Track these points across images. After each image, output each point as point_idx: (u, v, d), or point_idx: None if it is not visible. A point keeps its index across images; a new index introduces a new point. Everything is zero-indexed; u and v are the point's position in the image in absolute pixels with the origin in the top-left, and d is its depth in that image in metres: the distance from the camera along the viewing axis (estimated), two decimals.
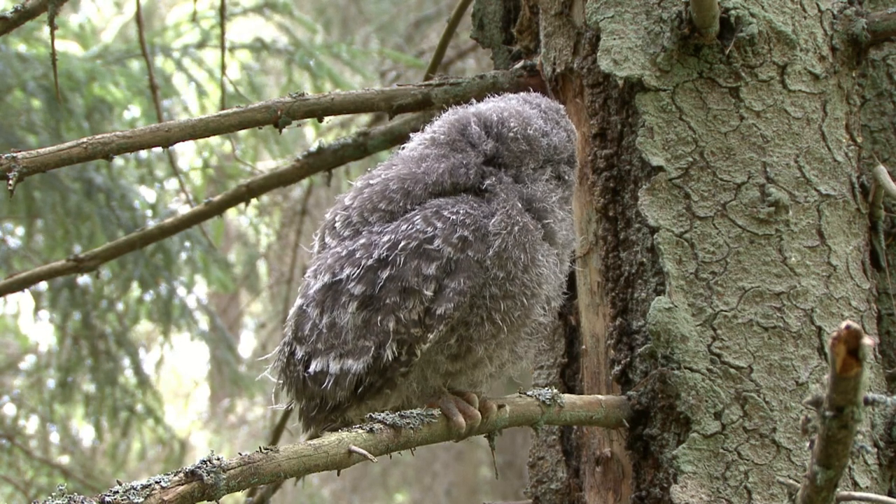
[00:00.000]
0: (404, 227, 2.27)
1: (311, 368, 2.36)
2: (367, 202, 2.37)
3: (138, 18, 4.16)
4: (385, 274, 2.26)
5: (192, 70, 6.96)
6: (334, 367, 2.32)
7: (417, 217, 2.29)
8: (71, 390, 7.04)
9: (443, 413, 2.26)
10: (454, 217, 2.25)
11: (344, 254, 2.33)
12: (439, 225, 2.24)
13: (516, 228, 2.24)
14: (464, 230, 2.23)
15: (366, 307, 2.27)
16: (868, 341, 1.66)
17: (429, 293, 2.22)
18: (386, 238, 2.28)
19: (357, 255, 2.31)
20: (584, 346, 2.88)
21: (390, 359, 2.26)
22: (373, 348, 2.27)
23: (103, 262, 3.68)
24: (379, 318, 2.26)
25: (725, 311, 2.62)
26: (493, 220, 2.25)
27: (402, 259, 2.24)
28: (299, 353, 2.39)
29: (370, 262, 2.28)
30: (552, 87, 3.03)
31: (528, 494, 3.01)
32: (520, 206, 2.28)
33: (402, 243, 2.26)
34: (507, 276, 2.23)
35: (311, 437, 2.56)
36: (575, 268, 2.53)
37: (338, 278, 2.31)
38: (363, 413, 2.38)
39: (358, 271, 2.30)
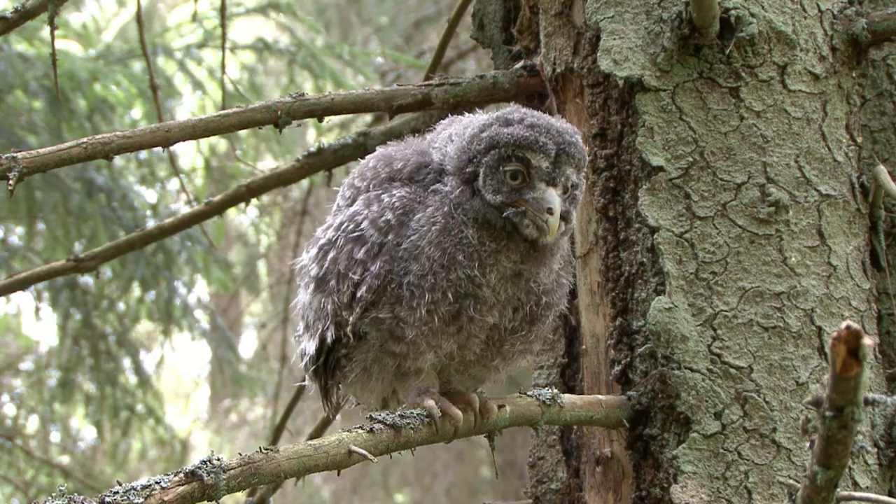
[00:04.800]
0: (352, 209, 2.33)
1: (299, 349, 2.44)
2: (349, 180, 2.44)
3: (139, 19, 4.16)
4: (330, 256, 2.32)
5: (193, 70, 6.96)
6: (309, 348, 2.40)
7: (361, 198, 2.34)
8: (71, 390, 7.03)
9: (426, 414, 2.25)
10: (388, 200, 2.27)
11: (316, 234, 2.42)
12: (374, 208, 2.28)
13: (434, 228, 2.22)
14: (390, 213, 2.25)
15: (319, 290, 2.34)
16: (868, 341, 1.66)
17: (356, 277, 2.25)
18: (338, 220, 2.34)
19: (319, 238, 2.38)
20: (584, 346, 2.88)
21: (329, 341, 2.32)
22: (320, 330, 2.33)
23: (103, 262, 3.68)
24: (323, 300, 2.32)
25: (725, 311, 2.62)
26: (416, 216, 2.25)
27: (342, 242, 2.29)
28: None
29: (323, 242, 2.35)
30: (552, 87, 3.03)
31: (528, 494, 3.01)
32: (447, 209, 2.24)
33: (344, 225, 2.31)
34: (425, 271, 2.21)
35: (312, 437, 2.58)
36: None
37: (304, 261, 2.40)
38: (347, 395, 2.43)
39: (316, 252, 2.36)
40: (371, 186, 2.36)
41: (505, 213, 2.21)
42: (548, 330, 2.44)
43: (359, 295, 2.24)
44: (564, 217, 2.25)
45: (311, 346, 2.39)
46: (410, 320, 2.22)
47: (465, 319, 2.23)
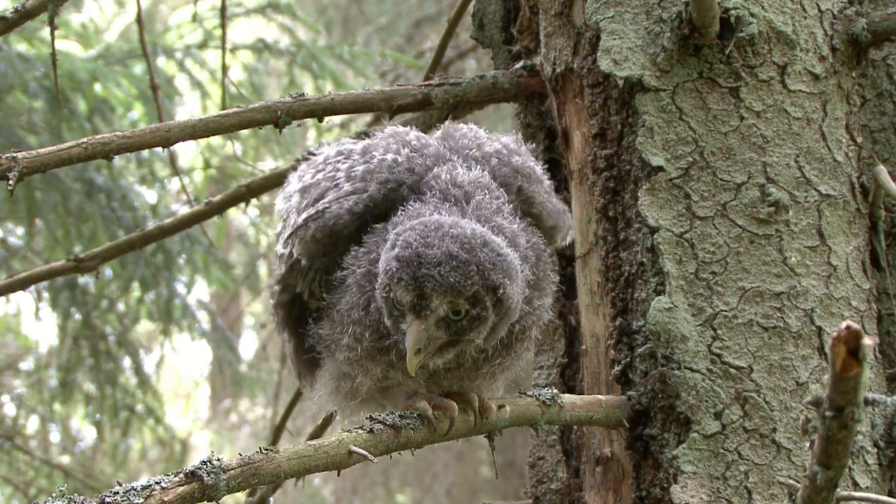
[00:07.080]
0: (349, 146, 2.37)
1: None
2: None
3: (139, 19, 4.16)
4: (316, 177, 2.34)
5: (194, 71, 6.97)
6: (283, 256, 2.41)
7: (363, 143, 2.35)
8: (71, 390, 7.04)
9: (420, 415, 2.23)
10: (379, 157, 2.26)
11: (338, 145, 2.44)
12: (360, 159, 2.30)
13: (359, 270, 2.19)
14: (361, 167, 2.25)
15: (302, 194, 2.35)
16: (868, 341, 1.66)
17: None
18: (336, 150, 2.37)
19: (327, 152, 2.40)
20: (584, 346, 2.88)
21: (292, 262, 2.35)
22: (290, 248, 2.37)
23: (103, 262, 3.68)
24: (291, 213, 2.36)
25: (725, 311, 2.62)
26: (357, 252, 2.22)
27: (321, 177, 2.32)
28: None
29: (319, 161, 2.38)
30: (552, 87, 3.03)
31: (528, 494, 3.01)
32: (373, 257, 2.17)
33: (332, 160, 2.33)
34: (350, 305, 2.20)
35: (312, 437, 2.57)
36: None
37: (319, 156, 2.42)
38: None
39: (319, 164, 2.38)
40: (381, 138, 2.35)
41: (394, 338, 2.14)
42: (531, 343, 2.39)
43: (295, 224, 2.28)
44: (452, 342, 2.11)
45: (283, 254, 2.38)
46: (342, 343, 2.23)
47: (394, 355, 2.20)
